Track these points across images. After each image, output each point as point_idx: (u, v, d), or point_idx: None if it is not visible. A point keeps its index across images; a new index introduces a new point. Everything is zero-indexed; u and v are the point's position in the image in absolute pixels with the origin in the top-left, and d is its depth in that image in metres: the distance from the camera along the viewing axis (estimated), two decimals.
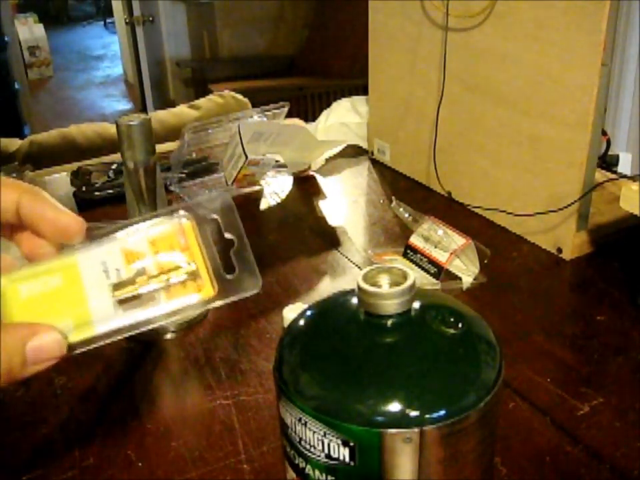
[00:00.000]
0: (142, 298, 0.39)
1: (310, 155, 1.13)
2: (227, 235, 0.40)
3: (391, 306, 0.39)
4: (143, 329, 0.40)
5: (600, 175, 0.90)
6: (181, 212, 0.40)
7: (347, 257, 0.91)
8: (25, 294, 0.37)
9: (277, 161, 1.07)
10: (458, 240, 0.82)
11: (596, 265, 0.87)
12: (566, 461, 0.56)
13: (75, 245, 0.40)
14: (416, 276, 0.40)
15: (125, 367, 0.70)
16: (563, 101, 0.84)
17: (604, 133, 0.86)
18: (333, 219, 1.04)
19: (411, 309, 0.40)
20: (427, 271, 0.82)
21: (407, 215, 0.92)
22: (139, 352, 0.72)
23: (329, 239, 0.97)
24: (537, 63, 0.87)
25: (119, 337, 0.39)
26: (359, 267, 0.88)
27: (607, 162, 0.97)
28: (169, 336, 0.74)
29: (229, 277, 0.40)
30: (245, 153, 0.94)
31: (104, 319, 0.38)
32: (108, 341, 0.39)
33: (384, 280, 0.40)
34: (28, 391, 0.66)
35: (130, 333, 0.40)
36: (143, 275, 0.39)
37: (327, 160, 1.23)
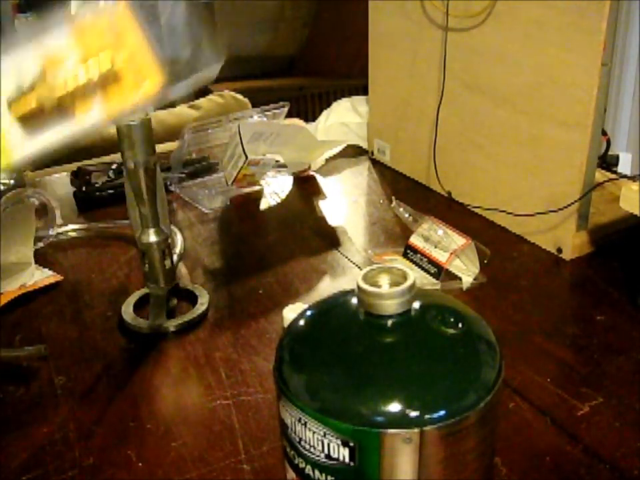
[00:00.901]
0: (50, 112, 0.28)
1: (310, 155, 1.13)
2: None
3: (390, 306, 0.39)
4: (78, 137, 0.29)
5: (600, 175, 0.90)
6: None
7: (347, 257, 0.91)
8: None
9: (276, 161, 1.07)
10: (458, 240, 0.82)
11: (596, 265, 0.87)
12: (566, 461, 0.56)
13: None
14: (416, 276, 0.40)
15: (124, 367, 0.70)
16: (562, 101, 0.84)
17: (604, 133, 0.86)
18: (332, 219, 1.04)
19: (410, 309, 0.40)
20: (427, 271, 0.82)
21: (406, 215, 0.92)
22: (138, 352, 0.72)
23: (329, 239, 0.97)
24: (537, 62, 0.87)
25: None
26: (359, 267, 0.88)
27: (607, 162, 0.97)
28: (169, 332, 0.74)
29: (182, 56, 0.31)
30: (244, 152, 0.94)
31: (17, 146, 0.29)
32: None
33: (384, 280, 0.40)
34: (28, 391, 0.66)
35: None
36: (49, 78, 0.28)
37: (327, 160, 1.23)
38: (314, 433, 0.37)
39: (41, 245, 0.95)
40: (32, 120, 0.27)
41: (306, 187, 1.16)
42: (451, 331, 0.40)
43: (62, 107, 0.27)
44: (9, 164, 0.28)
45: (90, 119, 0.29)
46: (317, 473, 0.39)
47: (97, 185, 1.11)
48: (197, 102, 1.95)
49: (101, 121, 0.29)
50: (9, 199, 0.84)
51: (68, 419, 0.62)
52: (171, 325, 0.75)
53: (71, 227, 1.00)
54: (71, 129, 0.28)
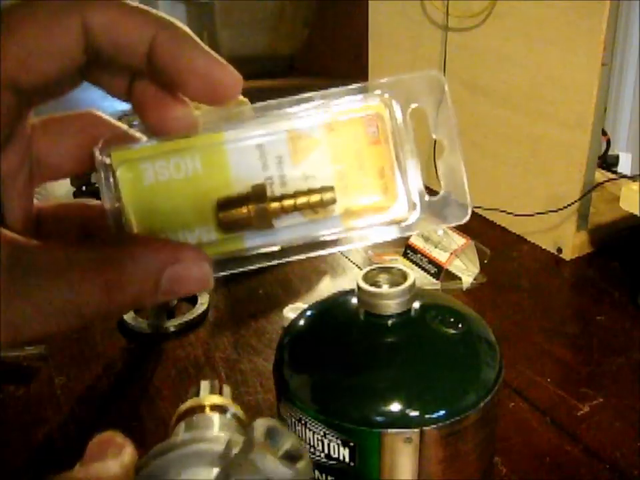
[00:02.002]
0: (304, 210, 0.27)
1: None
2: (434, 135, 0.29)
3: (391, 306, 0.39)
4: (302, 255, 0.28)
5: (600, 175, 0.90)
6: (377, 92, 0.28)
7: (347, 257, 0.91)
8: (150, 179, 0.26)
9: None
10: (458, 240, 0.82)
11: (596, 265, 0.87)
12: (566, 461, 0.56)
13: (223, 117, 0.27)
14: (416, 276, 0.40)
15: (124, 367, 0.70)
16: (562, 100, 0.84)
17: (604, 133, 0.86)
18: None
19: (411, 309, 0.40)
20: (427, 271, 0.82)
21: None
22: (138, 352, 0.72)
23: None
24: (537, 63, 0.87)
25: (269, 262, 0.28)
26: (359, 267, 0.88)
27: (607, 162, 0.97)
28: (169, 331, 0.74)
29: (428, 198, 0.29)
30: None
31: (255, 233, 0.27)
32: (255, 266, 0.27)
33: (384, 280, 0.40)
34: (28, 391, 0.66)
35: (286, 259, 0.27)
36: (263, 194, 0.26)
37: None
38: (314, 433, 0.37)
39: None
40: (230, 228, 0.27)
41: None
42: (451, 330, 0.40)
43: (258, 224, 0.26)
44: None
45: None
46: (317, 472, 0.39)
47: (96, 185, 1.11)
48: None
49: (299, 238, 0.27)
50: None
51: (68, 419, 0.62)
52: (171, 325, 0.75)
53: None
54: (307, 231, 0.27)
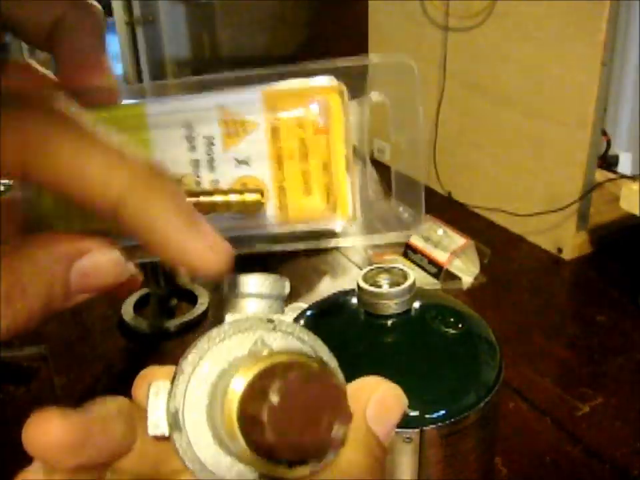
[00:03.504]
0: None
1: None
2: (393, 136, 0.25)
3: (391, 306, 0.39)
4: None
5: (600, 175, 0.90)
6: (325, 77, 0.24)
7: (347, 257, 0.91)
8: None
9: None
10: (458, 240, 0.82)
11: (596, 265, 0.87)
12: (566, 461, 0.56)
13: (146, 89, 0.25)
14: (416, 276, 0.40)
15: (125, 367, 0.70)
16: (562, 101, 0.84)
17: (604, 133, 0.86)
18: None
19: (411, 309, 0.40)
20: (427, 271, 0.82)
21: (407, 215, 0.92)
22: (138, 352, 0.72)
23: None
24: (537, 62, 0.87)
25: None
26: (359, 267, 0.88)
27: (607, 162, 0.97)
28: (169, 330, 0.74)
29: (379, 204, 0.26)
30: None
31: None
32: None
33: (384, 280, 0.40)
34: (28, 391, 0.66)
35: None
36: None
37: None
38: None
39: None
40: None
41: None
42: (451, 330, 0.40)
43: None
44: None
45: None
46: None
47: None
48: None
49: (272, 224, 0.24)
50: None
51: None
52: (171, 324, 0.75)
53: None
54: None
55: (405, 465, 0.37)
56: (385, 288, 0.40)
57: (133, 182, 0.17)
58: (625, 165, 0.86)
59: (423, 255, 0.83)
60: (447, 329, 0.40)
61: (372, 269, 0.41)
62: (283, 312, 0.23)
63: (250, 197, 0.23)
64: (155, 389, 0.21)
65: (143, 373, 0.24)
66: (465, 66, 0.99)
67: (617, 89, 0.83)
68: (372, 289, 0.39)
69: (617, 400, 0.62)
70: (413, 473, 0.37)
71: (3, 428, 0.63)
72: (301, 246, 0.24)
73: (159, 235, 0.18)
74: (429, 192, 1.11)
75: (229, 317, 0.22)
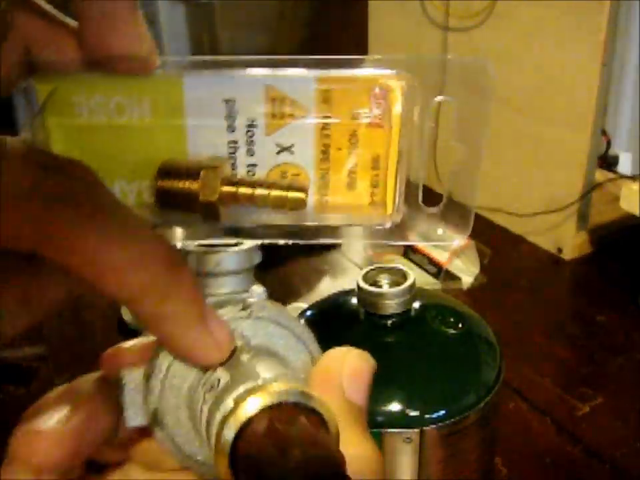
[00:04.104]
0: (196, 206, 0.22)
1: None
2: (453, 141, 0.24)
3: (391, 306, 0.39)
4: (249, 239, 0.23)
5: (600, 175, 0.90)
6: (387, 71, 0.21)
7: (347, 257, 0.91)
8: (83, 116, 0.21)
9: None
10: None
11: (596, 265, 0.87)
12: (566, 461, 0.56)
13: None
14: (416, 276, 0.40)
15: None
16: (563, 101, 0.84)
17: (604, 133, 0.86)
18: None
19: (411, 309, 0.40)
20: (427, 271, 0.82)
21: None
22: None
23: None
24: (537, 62, 0.87)
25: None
26: (359, 267, 0.88)
27: (607, 162, 0.97)
28: None
29: (429, 209, 0.25)
30: None
31: None
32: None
33: (384, 280, 0.40)
34: (28, 391, 0.66)
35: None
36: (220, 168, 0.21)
37: None
38: None
39: None
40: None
41: None
42: (451, 330, 0.40)
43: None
44: None
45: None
46: None
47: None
48: None
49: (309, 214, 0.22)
50: None
51: None
52: None
53: None
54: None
55: (405, 465, 0.37)
56: (385, 288, 0.40)
57: (152, 281, 0.17)
58: (625, 165, 0.86)
59: (423, 255, 0.83)
60: (447, 329, 0.40)
61: (372, 269, 0.41)
62: (253, 283, 0.23)
63: (293, 195, 0.21)
64: (130, 381, 0.20)
65: (111, 351, 0.23)
66: None
67: (617, 89, 0.83)
68: (372, 289, 0.39)
69: (617, 400, 0.62)
70: (412, 473, 0.37)
71: (2, 428, 0.63)
72: (332, 240, 0.23)
73: (170, 334, 0.18)
74: (429, 192, 1.11)
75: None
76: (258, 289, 0.22)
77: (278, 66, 0.21)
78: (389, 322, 0.39)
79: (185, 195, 0.20)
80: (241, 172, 0.21)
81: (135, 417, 0.20)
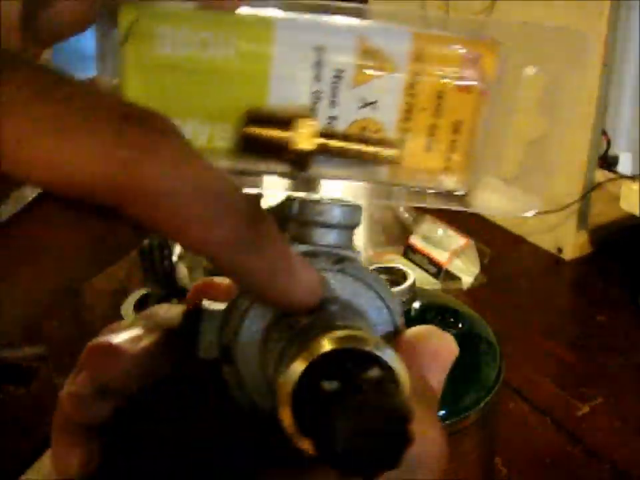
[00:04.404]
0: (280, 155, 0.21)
1: None
2: (538, 114, 0.23)
3: None
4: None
5: (600, 175, 0.90)
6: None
7: None
8: (165, 48, 0.20)
9: None
10: (458, 240, 0.82)
11: (596, 265, 0.87)
12: (566, 461, 0.56)
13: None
14: (416, 276, 0.40)
15: None
16: (562, 101, 0.84)
17: (604, 133, 0.86)
18: None
19: (411, 309, 0.40)
20: (427, 271, 0.82)
21: (407, 215, 0.92)
22: None
23: None
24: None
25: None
26: None
27: (607, 162, 0.97)
28: None
29: (504, 182, 0.24)
30: None
31: None
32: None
33: (384, 280, 0.40)
34: (28, 391, 0.66)
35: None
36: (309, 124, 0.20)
37: None
38: None
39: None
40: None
41: None
42: (451, 330, 0.40)
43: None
44: None
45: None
46: None
47: None
48: None
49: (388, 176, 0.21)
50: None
51: None
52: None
53: None
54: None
55: None
56: None
57: (235, 236, 0.16)
58: (625, 165, 0.86)
59: (423, 254, 0.83)
60: (447, 329, 0.40)
61: (372, 269, 0.41)
62: (352, 242, 0.22)
63: (386, 152, 0.21)
64: (209, 313, 0.20)
65: (201, 282, 0.24)
66: None
67: (617, 89, 0.83)
68: None
69: (617, 400, 0.62)
70: None
71: (2, 428, 0.63)
72: (402, 202, 0.23)
73: (257, 285, 0.18)
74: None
75: (295, 246, 0.21)
76: (355, 249, 0.22)
77: (371, 17, 0.20)
78: None
79: (274, 143, 0.20)
80: (322, 123, 0.21)
81: (207, 349, 0.20)
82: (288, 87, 0.20)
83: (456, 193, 0.22)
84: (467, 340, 0.40)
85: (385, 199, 0.22)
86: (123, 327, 0.21)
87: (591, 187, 0.84)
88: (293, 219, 0.21)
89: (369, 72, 0.20)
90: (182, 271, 0.89)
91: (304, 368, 0.16)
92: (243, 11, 0.20)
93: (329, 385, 0.15)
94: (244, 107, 0.20)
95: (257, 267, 0.17)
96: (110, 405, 0.21)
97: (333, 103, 0.21)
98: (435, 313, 0.41)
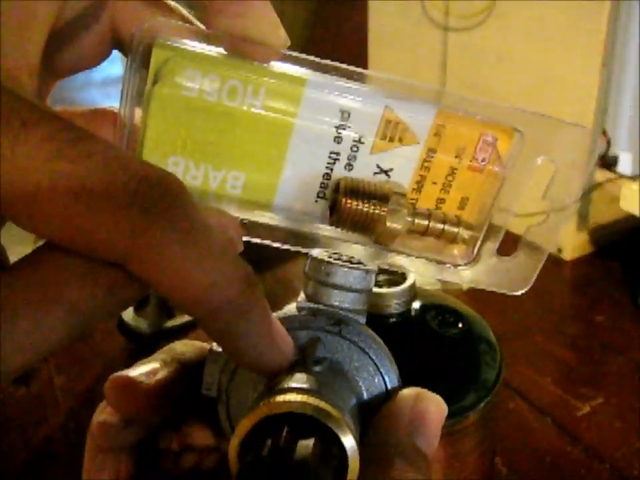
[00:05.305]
0: (371, 231, 0.21)
1: None
2: (544, 197, 0.24)
3: (391, 306, 0.39)
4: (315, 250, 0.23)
5: (600, 175, 0.90)
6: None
7: None
8: (192, 92, 0.20)
9: None
10: None
11: (596, 265, 0.87)
12: (566, 461, 0.56)
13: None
14: (416, 276, 0.40)
15: (124, 367, 0.70)
16: (563, 101, 0.84)
17: (604, 133, 0.86)
18: None
19: (411, 309, 0.40)
20: None
21: None
22: (138, 352, 0.72)
23: None
24: (537, 62, 0.87)
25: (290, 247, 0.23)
26: None
27: (607, 162, 0.97)
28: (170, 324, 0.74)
29: (501, 259, 0.25)
30: None
31: (287, 206, 0.22)
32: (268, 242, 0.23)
33: (384, 280, 0.40)
34: (28, 391, 0.66)
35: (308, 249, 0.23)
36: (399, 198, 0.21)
37: None
38: None
39: (40, 243, 0.95)
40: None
41: None
42: (451, 330, 0.40)
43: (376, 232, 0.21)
44: None
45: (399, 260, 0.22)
46: None
47: None
48: None
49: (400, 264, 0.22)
50: None
51: (68, 419, 0.62)
52: (171, 324, 0.75)
53: None
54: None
55: None
56: (385, 288, 0.40)
57: (229, 302, 0.17)
58: (625, 165, 0.86)
59: None
60: (447, 329, 0.40)
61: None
62: (365, 305, 0.24)
63: (464, 233, 0.22)
64: (214, 355, 0.22)
65: None
66: (465, 66, 0.99)
67: (617, 89, 0.83)
68: None
69: (617, 400, 0.62)
70: None
71: (3, 428, 0.63)
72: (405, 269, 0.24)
73: (240, 349, 0.18)
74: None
75: (302, 301, 0.22)
76: (358, 315, 0.23)
77: (399, 86, 0.21)
78: (389, 322, 0.39)
79: (369, 217, 0.20)
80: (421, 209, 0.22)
81: (208, 387, 0.22)
82: (307, 144, 0.20)
83: (459, 267, 0.24)
84: (466, 340, 0.40)
85: (385, 263, 0.23)
86: (144, 361, 0.23)
87: (591, 187, 0.84)
88: (307, 276, 0.22)
89: (390, 142, 0.21)
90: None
91: (249, 426, 0.17)
92: (275, 65, 0.20)
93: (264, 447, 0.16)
94: (261, 158, 0.20)
95: (244, 331, 0.18)
96: (135, 433, 0.22)
97: (348, 166, 0.21)
98: (435, 313, 0.41)
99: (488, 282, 0.26)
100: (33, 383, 0.67)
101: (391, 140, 0.21)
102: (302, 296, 0.22)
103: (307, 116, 0.20)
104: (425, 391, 0.22)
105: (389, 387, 0.22)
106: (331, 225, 0.21)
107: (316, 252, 0.22)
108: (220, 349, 0.21)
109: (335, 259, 0.22)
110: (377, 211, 0.20)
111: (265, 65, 0.20)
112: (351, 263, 0.22)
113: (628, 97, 0.84)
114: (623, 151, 0.87)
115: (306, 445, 0.16)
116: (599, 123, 0.82)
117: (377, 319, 0.39)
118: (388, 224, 0.20)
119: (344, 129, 0.20)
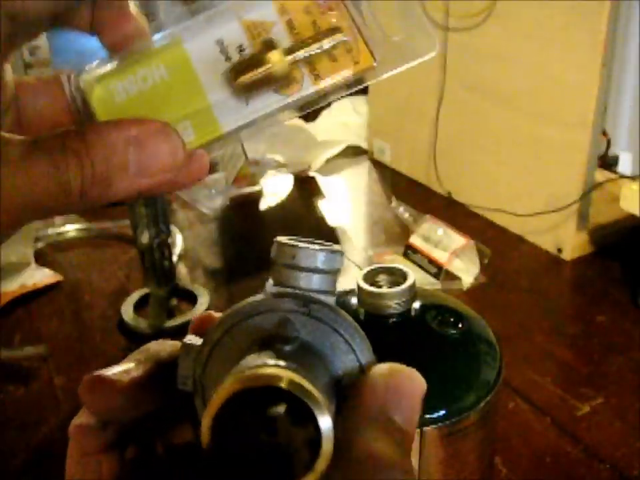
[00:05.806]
0: (274, 80, 0.26)
1: (309, 154, 1.13)
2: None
3: (391, 306, 0.39)
4: (273, 122, 0.28)
5: (600, 175, 0.90)
6: None
7: (347, 257, 0.91)
8: (120, 97, 0.26)
9: (276, 161, 1.07)
10: (458, 240, 0.82)
11: (596, 265, 0.87)
12: (566, 461, 0.56)
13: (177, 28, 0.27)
14: (416, 276, 0.40)
15: None
16: (563, 101, 0.84)
17: (604, 133, 0.86)
18: (332, 219, 1.04)
19: (411, 309, 0.40)
20: (427, 271, 0.82)
21: (407, 215, 0.92)
22: None
23: (329, 239, 0.97)
24: (537, 62, 0.87)
25: (244, 137, 0.28)
26: (359, 267, 0.88)
27: (607, 162, 0.97)
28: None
29: (395, 38, 0.29)
30: (244, 152, 0.94)
31: (227, 115, 0.26)
32: (231, 144, 0.29)
33: (384, 280, 0.40)
34: (28, 391, 0.66)
35: (259, 128, 0.27)
36: (273, 49, 0.26)
37: (327, 160, 1.23)
38: None
39: (41, 244, 0.95)
40: (248, 90, 0.26)
41: (306, 187, 1.16)
42: (451, 330, 0.40)
43: (277, 79, 0.26)
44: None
45: (302, 91, 0.27)
46: None
47: None
48: None
49: (311, 93, 0.27)
50: None
51: (68, 418, 0.62)
52: (171, 324, 0.75)
53: (70, 227, 1.00)
54: (279, 101, 0.26)
55: None
56: (385, 288, 0.39)
57: None
58: (625, 165, 0.86)
59: (423, 254, 0.83)
60: (446, 329, 0.40)
61: (372, 269, 0.41)
62: (334, 287, 0.24)
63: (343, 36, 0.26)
64: (187, 348, 0.22)
65: (200, 316, 0.25)
66: (465, 66, 0.99)
67: (617, 89, 0.83)
68: (372, 289, 0.39)
69: (617, 400, 0.62)
70: None
71: (3, 428, 0.63)
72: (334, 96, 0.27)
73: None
74: (429, 192, 1.11)
75: (269, 287, 0.23)
76: (327, 294, 0.24)
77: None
78: (389, 322, 0.39)
79: (264, 77, 0.25)
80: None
81: (183, 381, 0.22)
82: (212, 75, 0.26)
83: (368, 69, 0.27)
84: (466, 340, 0.40)
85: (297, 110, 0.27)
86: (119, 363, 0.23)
87: (591, 187, 0.84)
88: (273, 261, 0.23)
89: (258, 36, 0.26)
90: (182, 271, 0.89)
91: (219, 403, 0.17)
92: (156, 38, 0.26)
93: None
94: (189, 99, 0.26)
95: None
96: (112, 433, 0.23)
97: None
98: (435, 313, 0.41)
99: (401, 58, 0.28)
100: (32, 383, 0.67)
101: (259, 35, 0.26)
102: (270, 282, 0.22)
103: (198, 60, 0.26)
104: (398, 365, 0.23)
105: (363, 363, 0.22)
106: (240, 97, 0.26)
107: (281, 237, 0.24)
108: (194, 342, 0.22)
109: (302, 243, 0.23)
110: (262, 70, 0.25)
111: (148, 46, 0.26)
112: (317, 244, 0.23)
113: (628, 97, 0.84)
114: (623, 151, 0.87)
115: (279, 419, 0.17)
116: (599, 123, 0.82)
117: (376, 319, 0.39)
118: (277, 74, 0.25)
119: (226, 50, 0.26)
